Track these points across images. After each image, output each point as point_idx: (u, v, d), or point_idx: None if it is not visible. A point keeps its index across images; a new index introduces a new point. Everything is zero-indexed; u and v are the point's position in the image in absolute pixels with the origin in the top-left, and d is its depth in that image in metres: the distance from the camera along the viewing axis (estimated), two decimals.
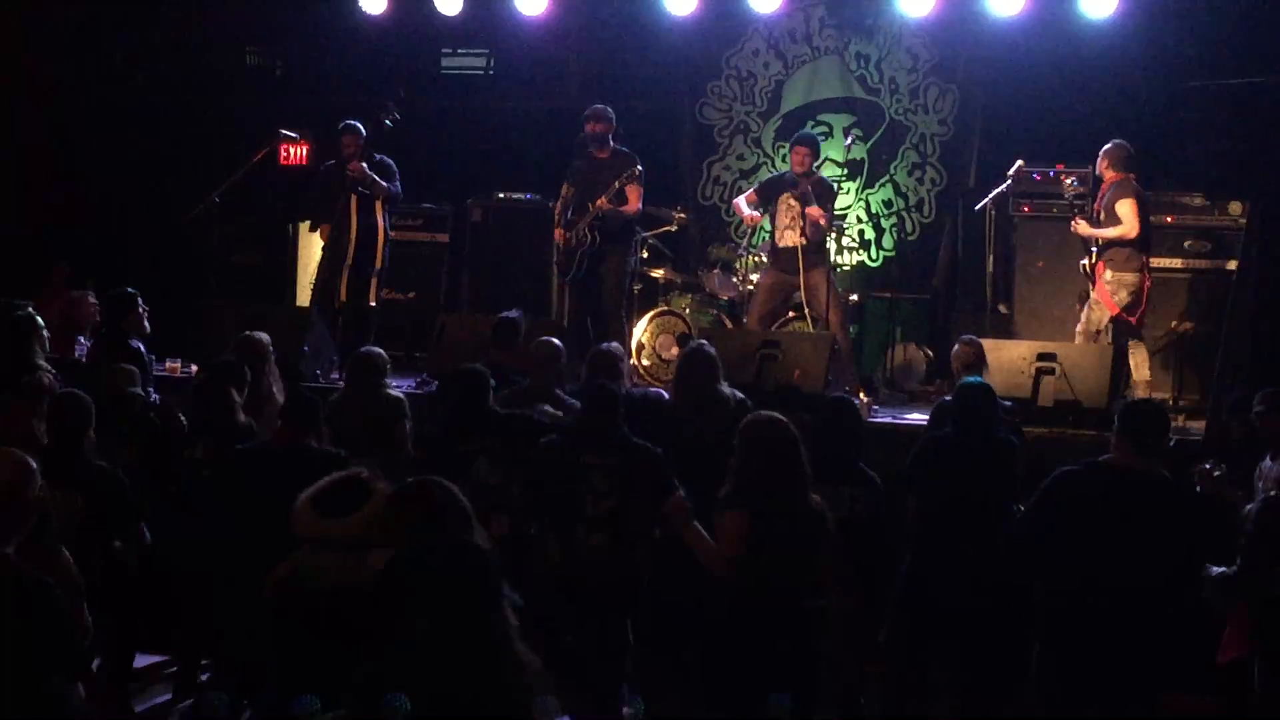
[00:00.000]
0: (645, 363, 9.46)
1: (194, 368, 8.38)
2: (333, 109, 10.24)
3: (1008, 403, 6.83)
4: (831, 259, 9.53)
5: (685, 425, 6.22)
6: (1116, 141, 8.81)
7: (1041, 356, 7.92)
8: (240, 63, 12.54)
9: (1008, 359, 7.92)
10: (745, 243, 9.74)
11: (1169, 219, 9.53)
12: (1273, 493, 5.41)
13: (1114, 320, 8.59)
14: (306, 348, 8.49)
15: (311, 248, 10.16)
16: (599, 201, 9.09)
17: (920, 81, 10.84)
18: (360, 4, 10.74)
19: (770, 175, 10.06)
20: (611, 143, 9.32)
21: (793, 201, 9.09)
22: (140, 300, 7.93)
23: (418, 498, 3.75)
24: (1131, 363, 8.41)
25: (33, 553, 4.17)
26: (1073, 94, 10.30)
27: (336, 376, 8.58)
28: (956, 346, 7.41)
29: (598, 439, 5.55)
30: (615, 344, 7.31)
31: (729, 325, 9.67)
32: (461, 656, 2.76)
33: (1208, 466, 5.93)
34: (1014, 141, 9.99)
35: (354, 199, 9.36)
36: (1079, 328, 8.73)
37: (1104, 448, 5.47)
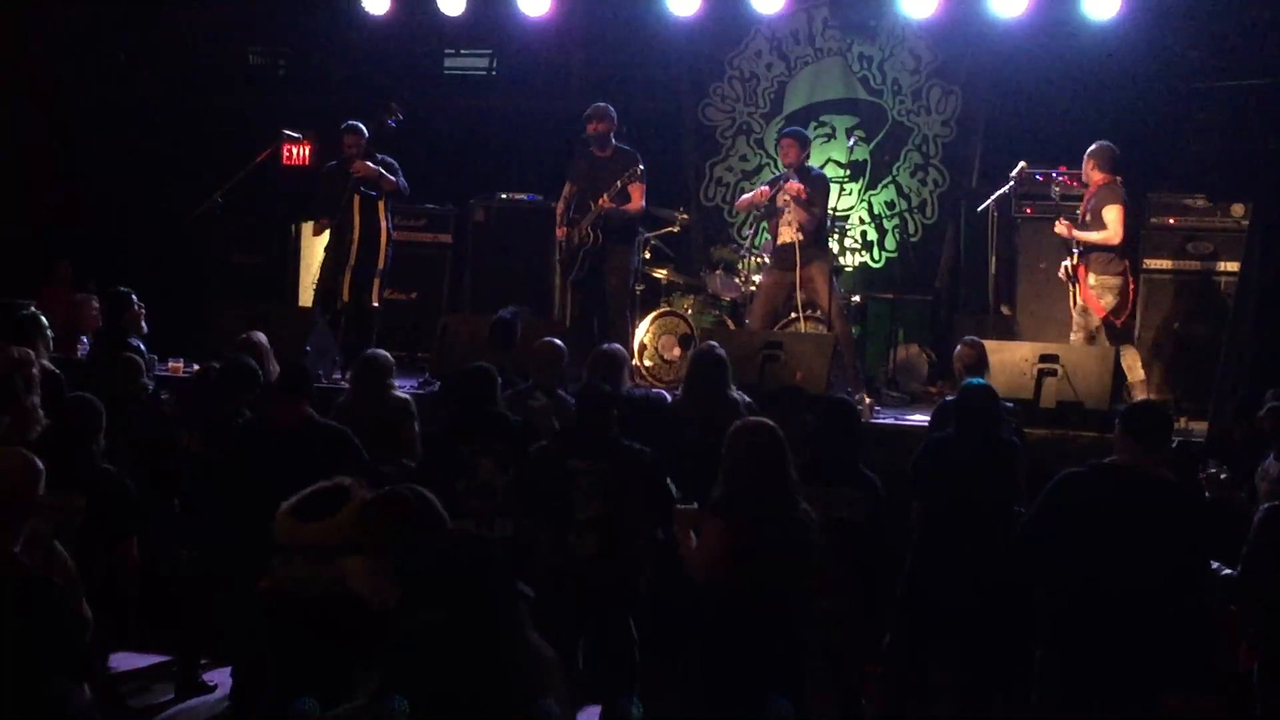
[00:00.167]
0: (647, 363, 9.44)
1: (195, 367, 8.37)
2: (335, 109, 10.22)
3: (1010, 404, 6.82)
4: (834, 260, 9.47)
5: (688, 427, 6.19)
6: (1102, 143, 8.78)
7: (1044, 358, 7.90)
8: (242, 62, 12.53)
9: (1010, 360, 7.91)
10: (748, 244, 9.73)
11: (1171, 220, 9.51)
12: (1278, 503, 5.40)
13: (1103, 323, 8.59)
14: (309, 348, 8.47)
15: (314, 248, 10.14)
16: (602, 200, 9.08)
17: (923, 83, 10.83)
18: (363, 4, 10.73)
19: (773, 176, 10.05)
20: (613, 141, 9.31)
21: (787, 196, 9.06)
22: (135, 298, 7.92)
23: (394, 504, 3.79)
24: (1124, 364, 8.39)
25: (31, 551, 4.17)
26: (1075, 96, 10.28)
27: (339, 377, 8.58)
28: (959, 348, 7.42)
29: (587, 443, 5.55)
30: (617, 345, 7.27)
31: (731, 326, 9.65)
32: (477, 645, 2.80)
33: (1214, 470, 5.92)
34: (1016, 143, 9.98)
35: (357, 199, 9.32)
36: (1073, 335, 8.72)
37: (1106, 449, 5.47)
